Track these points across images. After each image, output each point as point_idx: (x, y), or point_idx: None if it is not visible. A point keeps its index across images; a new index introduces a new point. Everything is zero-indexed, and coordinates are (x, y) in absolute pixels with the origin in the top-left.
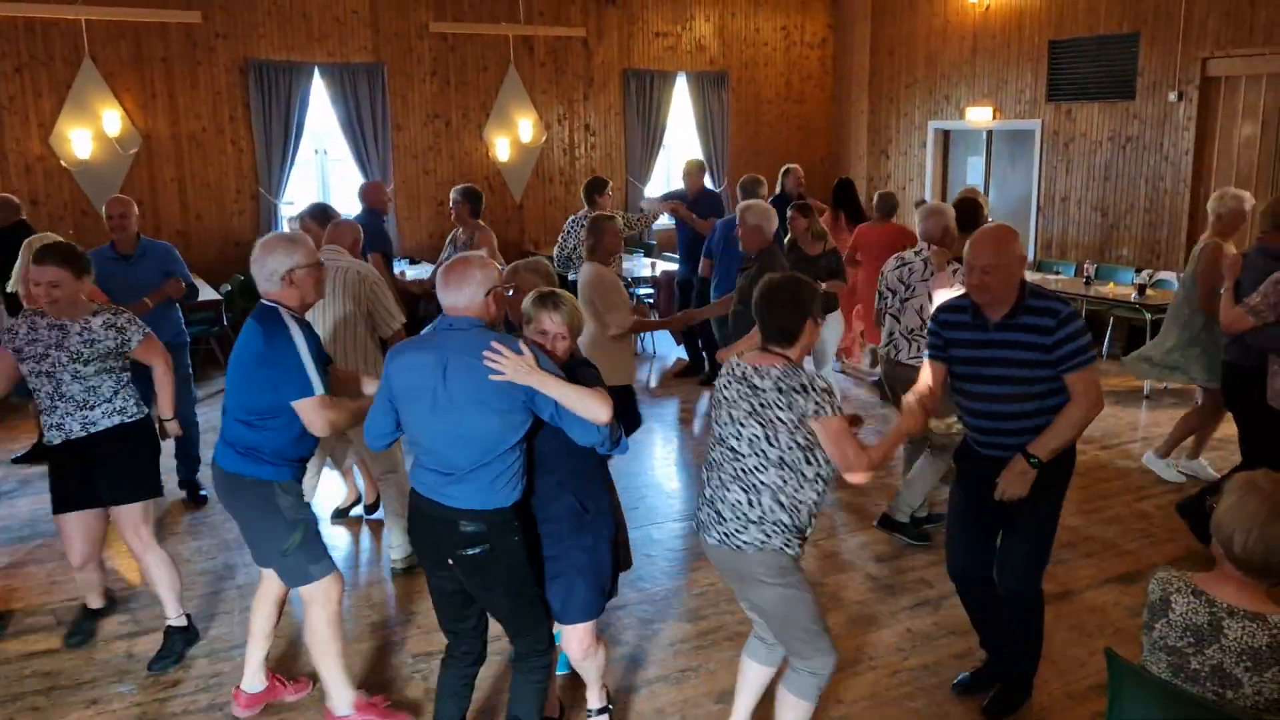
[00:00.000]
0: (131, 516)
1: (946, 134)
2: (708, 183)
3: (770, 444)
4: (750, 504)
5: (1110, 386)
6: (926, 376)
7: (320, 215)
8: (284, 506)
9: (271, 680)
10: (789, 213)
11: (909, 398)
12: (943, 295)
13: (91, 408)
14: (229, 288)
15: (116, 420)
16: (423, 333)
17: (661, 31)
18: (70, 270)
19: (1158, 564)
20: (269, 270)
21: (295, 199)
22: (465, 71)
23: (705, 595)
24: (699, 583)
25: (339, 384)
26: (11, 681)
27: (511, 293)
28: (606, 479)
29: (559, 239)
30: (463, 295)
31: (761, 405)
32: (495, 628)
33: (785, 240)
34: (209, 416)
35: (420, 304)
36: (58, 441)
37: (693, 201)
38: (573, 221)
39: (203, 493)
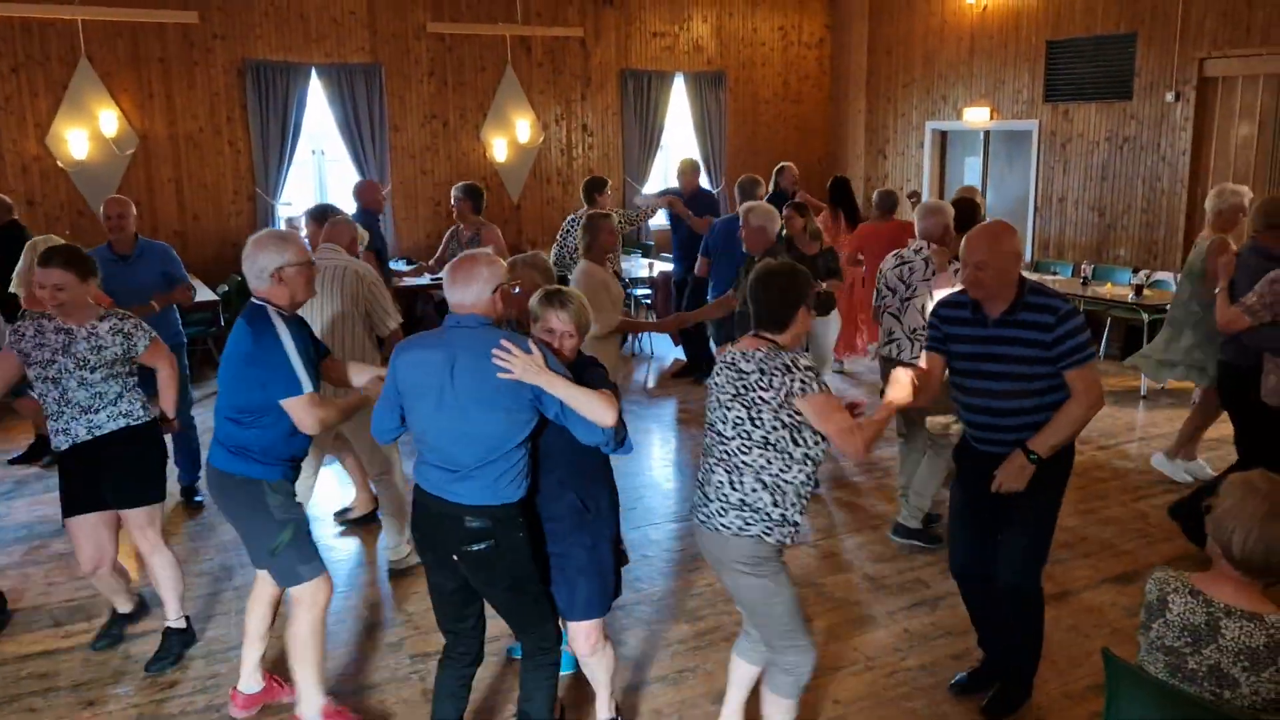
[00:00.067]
0: (139, 519)
1: (944, 134)
2: (704, 183)
3: (754, 425)
4: (732, 485)
5: (1107, 386)
6: (923, 367)
7: (320, 216)
8: (273, 505)
9: (268, 681)
10: (785, 212)
11: (898, 370)
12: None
13: (96, 411)
14: (226, 288)
15: (122, 423)
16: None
17: (659, 32)
18: (75, 273)
19: (1155, 564)
20: (259, 267)
21: (293, 200)
22: (463, 72)
23: (703, 596)
24: (696, 583)
25: (334, 375)
26: (8, 683)
27: (518, 290)
28: (609, 478)
29: (557, 237)
30: (470, 292)
31: (745, 388)
32: (493, 629)
33: (781, 238)
34: (205, 418)
35: (417, 304)
36: (65, 447)
37: (687, 200)
38: (571, 220)
39: (198, 499)
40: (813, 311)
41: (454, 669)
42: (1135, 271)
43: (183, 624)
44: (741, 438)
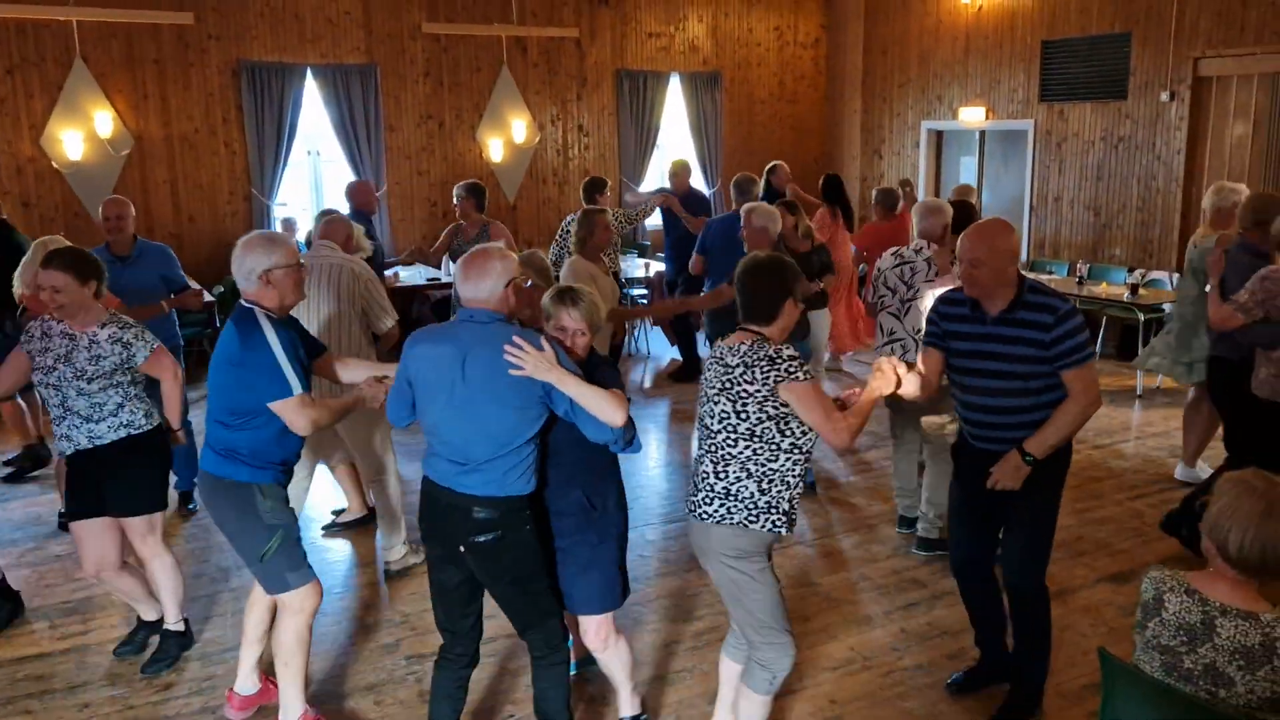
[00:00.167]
0: (139, 527)
1: (939, 134)
2: (699, 182)
3: (740, 417)
4: (718, 475)
5: (1103, 385)
6: (920, 366)
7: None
8: (263, 510)
9: (264, 683)
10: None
11: (881, 359)
12: None
13: (96, 421)
14: (221, 289)
15: (123, 433)
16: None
17: (654, 32)
18: (74, 275)
19: (1151, 563)
20: (247, 269)
21: (288, 200)
22: (458, 72)
23: (699, 596)
24: (693, 584)
25: (328, 372)
26: (4, 685)
27: (530, 283)
28: (617, 476)
29: (556, 237)
30: (483, 288)
31: (730, 381)
32: (490, 630)
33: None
34: (199, 420)
35: (413, 304)
36: (69, 452)
37: (680, 201)
38: (571, 220)
39: (191, 506)
40: (800, 304)
41: (451, 670)
42: (1131, 271)
43: (181, 627)
44: (728, 430)
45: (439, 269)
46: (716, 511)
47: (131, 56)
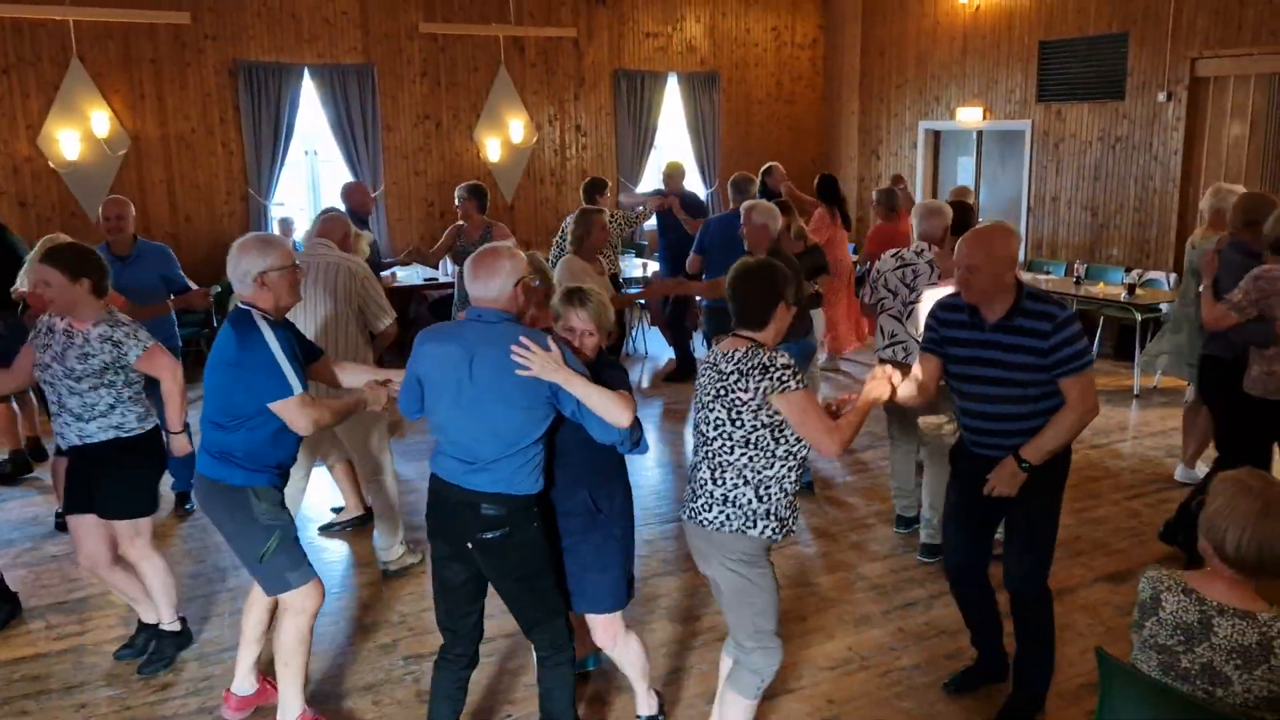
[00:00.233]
0: (125, 530)
1: (937, 134)
2: (697, 183)
3: (734, 425)
4: (715, 481)
5: (1100, 385)
6: (917, 371)
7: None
8: (258, 512)
9: (262, 683)
10: None
11: (878, 367)
12: None
13: (87, 421)
14: (219, 289)
15: (112, 435)
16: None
17: (652, 32)
18: (62, 270)
19: (1148, 562)
20: (242, 271)
21: (285, 200)
22: (455, 72)
23: (697, 596)
24: (690, 584)
25: (325, 375)
26: (1, 685)
27: (538, 283)
28: (624, 477)
29: (556, 237)
30: (492, 287)
31: (724, 389)
32: (490, 631)
33: None
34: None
35: (411, 304)
36: (64, 448)
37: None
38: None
39: (188, 506)
40: (793, 307)
41: (450, 670)
42: (1128, 271)
43: (177, 627)
44: (724, 438)
45: (437, 269)
46: (716, 518)
47: (128, 56)
